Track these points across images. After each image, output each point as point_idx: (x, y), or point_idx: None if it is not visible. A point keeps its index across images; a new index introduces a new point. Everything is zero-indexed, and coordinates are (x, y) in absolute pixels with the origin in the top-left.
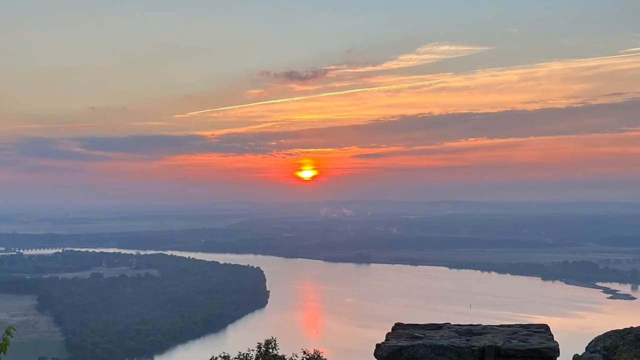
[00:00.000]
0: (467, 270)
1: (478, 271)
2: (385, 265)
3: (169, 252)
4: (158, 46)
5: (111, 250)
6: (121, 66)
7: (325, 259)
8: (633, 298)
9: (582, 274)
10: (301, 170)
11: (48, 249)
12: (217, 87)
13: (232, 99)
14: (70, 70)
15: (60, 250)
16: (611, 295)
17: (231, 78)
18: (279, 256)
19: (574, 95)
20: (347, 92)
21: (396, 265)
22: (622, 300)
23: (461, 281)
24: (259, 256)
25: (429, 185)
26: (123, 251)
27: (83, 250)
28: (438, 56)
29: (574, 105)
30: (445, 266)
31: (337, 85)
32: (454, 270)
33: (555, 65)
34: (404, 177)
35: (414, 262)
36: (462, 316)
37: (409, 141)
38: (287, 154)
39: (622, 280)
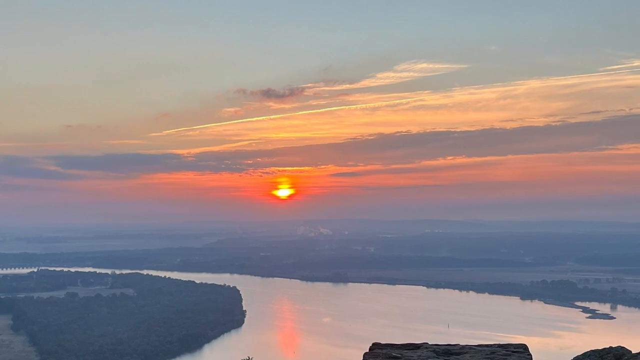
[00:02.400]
0: (445, 289)
1: (456, 290)
2: (362, 284)
3: (144, 272)
4: (134, 64)
5: (86, 269)
6: (96, 84)
7: (302, 279)
8: (612, 318)
9: (561, 294)
10: (278, 189)
11: (23, 268)
12: (193, 105)
13: (208, 117)
14: (45, 89)
15: (35, 270)
16: (590, 314)
17: (207, 96)
18: (255, 275)
19: (553, 114)
20: (324, 110)
21: (374, 285)
22: (601, 319)
23: (439, 300)
24: (236, 275)
25: (407, 204)
26: (98, 270)
27: (58, 269)
28: (416, 74)
29: (553, 124)
30: (423, 285)
31: (314, 103)
32: (432, 290)
33: (534, 83)
34: (382, 195)
35: (392, 282)
36: (440, 336)
37: (387, 160)
38: (263, 173)
39: (601, 299)
